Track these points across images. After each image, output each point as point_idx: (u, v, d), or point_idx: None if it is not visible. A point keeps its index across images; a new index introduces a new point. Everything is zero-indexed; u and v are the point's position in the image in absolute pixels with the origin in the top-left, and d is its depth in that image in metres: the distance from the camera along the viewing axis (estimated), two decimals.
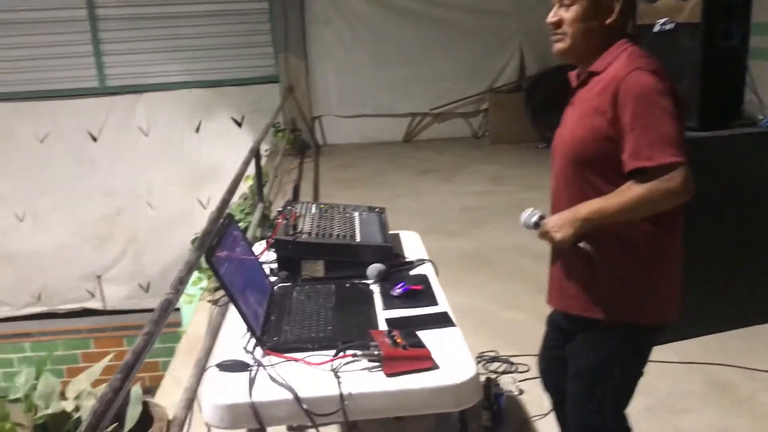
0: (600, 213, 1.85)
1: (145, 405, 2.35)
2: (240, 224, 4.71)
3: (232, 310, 2.16)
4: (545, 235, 1.93)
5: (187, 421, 2.30)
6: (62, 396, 2.30)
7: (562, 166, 2.00)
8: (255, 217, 4.76)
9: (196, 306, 4.45)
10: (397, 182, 7.11)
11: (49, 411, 2.16)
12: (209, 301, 4.32)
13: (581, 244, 1.89)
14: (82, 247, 8.94)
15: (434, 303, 2.13)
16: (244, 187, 6.03)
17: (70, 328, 8.64)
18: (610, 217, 1.85)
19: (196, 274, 5.55)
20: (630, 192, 1.81)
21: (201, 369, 2.51)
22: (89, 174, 8.87)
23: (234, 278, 1.95)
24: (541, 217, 1.99)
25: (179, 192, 8.99)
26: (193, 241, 5.02)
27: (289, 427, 2.89)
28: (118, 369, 1.72)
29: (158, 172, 8.97)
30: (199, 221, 8.20)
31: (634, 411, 2.11)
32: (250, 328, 1.87)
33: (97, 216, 8.93)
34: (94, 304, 9.13)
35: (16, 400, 2.27)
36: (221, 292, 4.43)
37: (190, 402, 2.40)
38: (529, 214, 2.00)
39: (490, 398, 2.85)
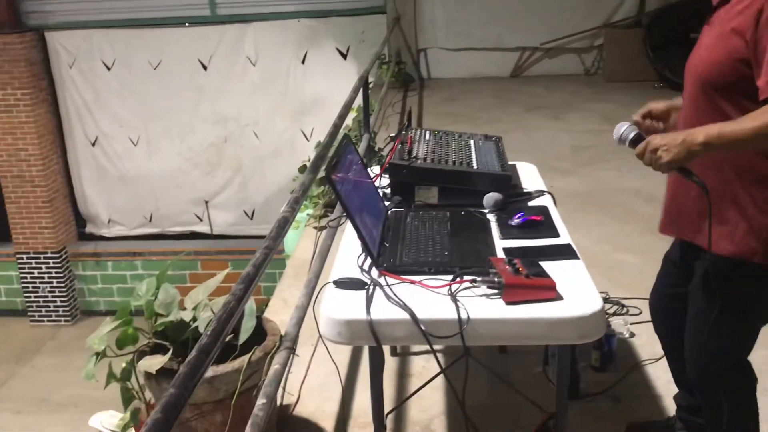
0: (721, 138, 1.65)
1: (258, 320, 2.41)
2: None
3: (346, 233, 2.16)
4: (652, 153, 1.72)
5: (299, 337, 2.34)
6: (180, 306, 2.38)
7: (693, 92, 1.83)
8: (361, 148, 4.75)
9: (301, 232, 4.52)
10: (503, 118, 6.91)
11: (169, 319, 2.25)
12: (315, 228, 4.39)
13: (694, 178, 1.72)
14: (192, 172, 9.27)
15: (555, 235, 2.05)
16: (348, 119, 6.01)
17: (178, 250, 9.05)
18: (732, 144, 1.65)
19: None
20: (763, 117, 1.61)
21: (311, 289, 2.54)
22: (199, 101, 9.11)
23: (351, 199, 1.93)
24: (639, 135, 1.81)
25: (284, 123, 9.12)
26: (301, 169, 5.09)
27: (392, 353, 2.92)
28: (239, 280, 1.75)
29: (264, 102, 9.11)
30: (302, 153, 8.32)
31: (755, 363, 1.97)
32: (366, 249, 1.85)
33: (207, 143, 9.20)
34: (202, 228, 9.51)
35: (138, 308, 2.37)
36: (328, 219, 4.49)
37: (301, 320, 2.44)
38: (627, 128, 1.82)
39: (601, 338, 2.76)
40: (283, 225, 2.13)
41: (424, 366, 2.85)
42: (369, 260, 1.86)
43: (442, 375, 2.75)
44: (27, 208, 8.99)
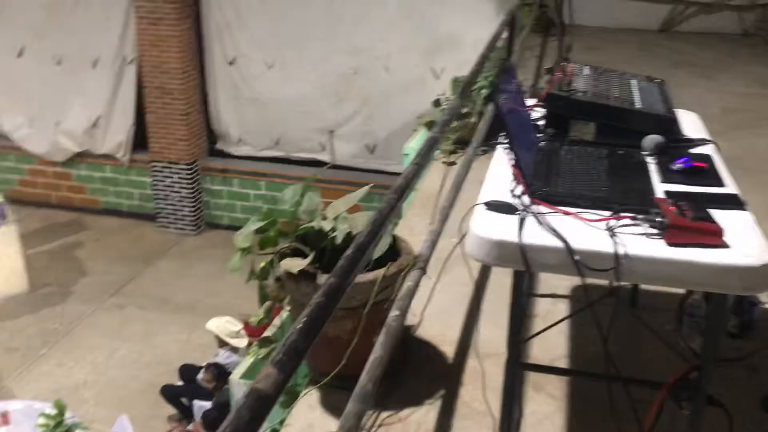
0: None
1: (393, 238, 2.44)
2: (483, 91, 4.63)
3: (495, 159, 2.12)
4: None
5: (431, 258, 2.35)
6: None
7: None
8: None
9: (430, 167, 4.51)
10: (648, 72, 6.52)
11: (311, 224, 2.31)
12: (444, 162, 4.37)
13: None
14: (320, 101, 9.41)
15: (720, 184, 1.93)
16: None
17: (300, 175, 9.28)
18: None
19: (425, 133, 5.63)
20: None
21: (445, 216, 2.54)
22: (334, 31, 9.16)
23: (509, 124, 1.89)
24: None
25: (415, 59, 9.04)
26: (435, 103, 5.04)
27: None
28: (391, 189, 1.76)
29: (397, 36, 9.03)
30: (431, 91, 8.22)
31: None
32: (521, 175, 1.81)
33: (337, 73, 9.28)
34: (324, 157, 9.69)
35: (282, 213, 2.45)
36: (456, 155, 4.45)
37: (434, 243, 2.45)
38: None
39: (743, 305, 2.62)
40: (433, 144, 2.13)
41: (550, 309, 2.81)
42: (521, 187, 1.82)
43: (566, 321, 2.71)
44: (165, 119, 9.45)
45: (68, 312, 8.10)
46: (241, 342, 6.04)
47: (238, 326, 6.11)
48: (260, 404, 0.99)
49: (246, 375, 3.62)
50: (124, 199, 10.28)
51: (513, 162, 1.87)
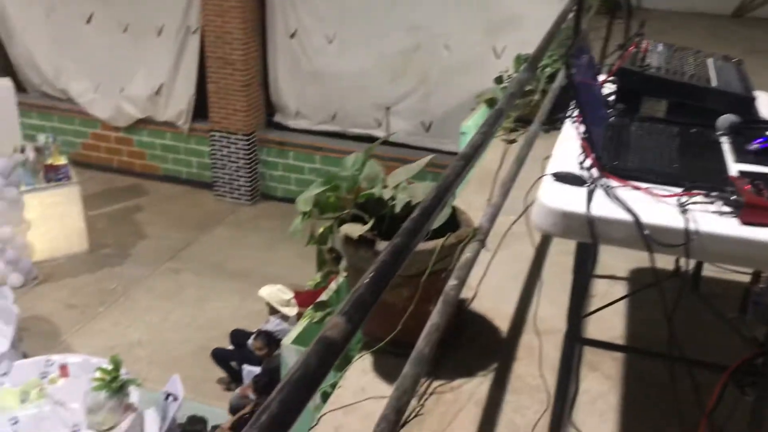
0: None
1: (453, 210, 2.44)
2: (547, 70, 4.56)
3: (562, 133, 2.09)
4: None
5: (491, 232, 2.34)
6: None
7: None
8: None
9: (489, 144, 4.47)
10: None
11: (372, 191, 2.32)
12: (504, 140, 4.32)
13: None
14: (378, 77, 9.39)
15: None
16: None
17: (355, 150, 9.31)
18: None
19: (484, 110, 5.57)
20: None
21: (506, 190, 2.52)
22: (395, 7, 9.11)
23: (581, 96, 1.86)
24: None
25: (476, 38, 8.93)
26: (497, 80, 4.98)
27: None
28: (458, 156, 1.75)
29: (460, 14, 8.93)
30: (491, 70, 8.11)
31: None
32: (591, 147, 1.78)
33: (397, 49, 9.24)
34: (379, 133, 9.68)
35: (343, 179, 2.46)
36: (516, 133, 4.40)
37: (494, 217, 2.43)
38: None
39: None
40: (499, 115, 2.10)
41: (607, 291, 2.77)
42: (590, 160, 1.79)
43: (623, 302, 2.67)
44: (225, 90, 9.58)
45: (126, 273, 8.35)
46: (292, 311, 6.14)
47: (289, 295, 6.20)
48: (328, 351, 1.01)
49: (298, 340, 3.68)
50: (183, 167, 10.50)
51: (582, 135, 1.84)
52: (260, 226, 9.56)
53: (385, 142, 9.53)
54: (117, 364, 5.20)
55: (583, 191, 1.66)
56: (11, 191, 7.65)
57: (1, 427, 5.06)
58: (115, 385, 5.12)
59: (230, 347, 6.54)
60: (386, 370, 2.26)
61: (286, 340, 3.81)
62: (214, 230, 9.44)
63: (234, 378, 6.41)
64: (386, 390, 2.16)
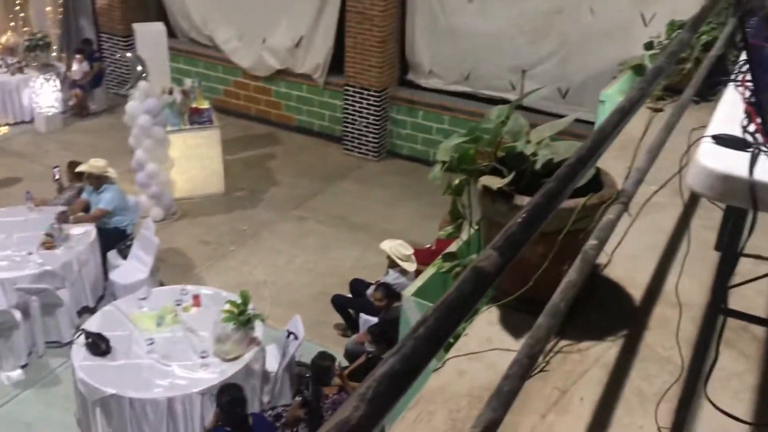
0: None
1: (597, 170, 2.38)
2: (703, 38, 4.29)
3: (726, 99, 1.99)
4: None
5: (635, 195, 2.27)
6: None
7: None
8: (724, 33, 4.28)
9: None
10: None
11: (514, 144, 2.30)
12: (649, 108, 4.14)
13: None
14: (517, 39, 9.19)
15: None
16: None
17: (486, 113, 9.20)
18: None
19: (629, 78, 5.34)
20: None
21: (653, 156, 2.42)
22: None
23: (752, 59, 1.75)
24: None
25: (624, 2, 8.53)
26: (647, 45, 4.75)
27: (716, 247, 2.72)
28: (614, 110, 1.71)
29: None
30: (637, 38, 7.74)
31: None
32: (758, 112, 1.68)
33: (538, 11, 8.99)
34: (512, 97, 9.51)
35: (485, 131, 2.45)
36: (663, 102, 4.19)
37: (639, 182, 2.35)
38: None
39: None
40: (659, 73, 2.03)
41: (750, 270, 2.62)
42: (754, 125, 1.69)
43: None
44: (362, 45, 9.70)
45: (256, 216, 8.75)
46: (411, 266, 6.23)
47: (409, 251, 6.29)
48: (481, 279, 1.03)
49: (419, 293, 3.75)
50: (315, 119, 10.79)
51: (748, 99, 1.74)
52: (384, 182, 9.70)
53: (518, 106, 9.34)
54: (246, 299, 5.51)
55: (745, 155, 1.58)
56: (159, 131, 8.16)
57: (139, 346, 5.51)
58: (242, 319, 5.44)
59: (349, 295, 6.74)
60: (513, 324, 2.27)
61: (407, 292, 3.88)
62: (340, 183, 9.68)
63: (350, 325, 6.61)
64: (512, 344, 2.17)
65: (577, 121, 7.42)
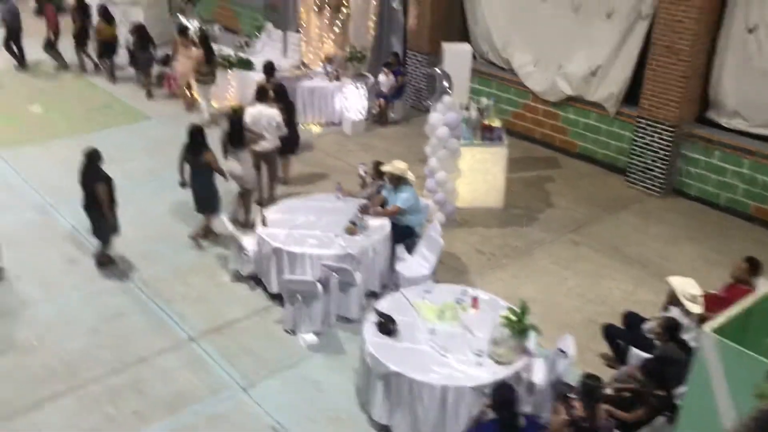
0: None
1: None
2: None
3: None
4: None
5: None
6: None
7: None
8: None
9: None
10: None
11: None
12: None
13: None
14: None
15: None
16: None
17: None
18: None
19: None
20: None
21: None
22: None
23: None
24: None
25: None
26: None
27: None
28: None
29: None
30: None
31: None
32: None
33: None
34: None
35: None
36: None
37: None
38: None
39: None
40: None
41: None
42: None
43: None
44: (663, 78, 9.47)
45: (530, 234, 8.99)
46: (695, 308, 6.02)
47: (698, 291, 6.09)
48: None
49: (721, 331, 3.69)
50: (599, 148, 10.76)
51: None
52: (666, 220, 9.39)
53: None
54: (525, 310, 5.79)
55: None
56: (453, 143, 8.76)
57: (421, 333, 6.02)
58: (519, 327, 5.71)
59: (621, 326, 6.67)
60: None
61: (708, 327, 3.84)
62: (618, 213, 9.56)
63: (618, 357, 6.55)
64: None
65: None
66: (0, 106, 12.74)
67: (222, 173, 8.27)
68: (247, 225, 8.54)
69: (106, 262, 8.06)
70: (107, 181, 7.63)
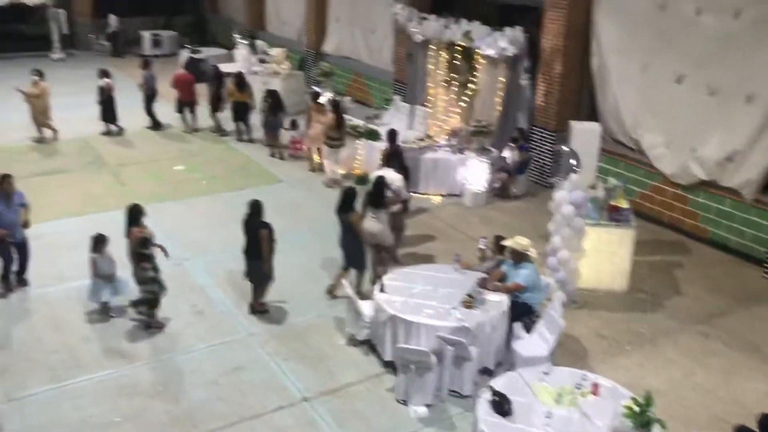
0: None
1: None
2: None
3: None
4: None
5: None
6: None
7: None
8: None
9: None
10: None
11: None
12: None
13: None
14: None
15: None
16: None
17: None
18: None
19: None
20: None
21: None
22: None
23: None
24: None
25: None
26: None
27: None
28: None
29: None
30: None
31: None
32: None
33: None
34: None
35: None
36: None
37: None
38: None
39: None
40: None
41: None
42: None
43: None
44: None
45: (655, 321, 8.59)
46: None
47: None
48: None
49: None
50: (733, 236, 10.22)
51: None
52: None
53: None
54: (649, 401, 5.50)
55: None
56: (578, 221, 8.61)
57: (537, 416, 5.84)
58: (643, 420, 5.43)
59: (756, 430, 6.18)
60: None
61: None
62: (755, 308, 8.97)
63: None
64: None
65: None
66: (147, 165, 13.80)
67: (361, 234, 8.65)
68: (379, 278, 8.63)
69: (260, 310, 8.54)
70: (269, 228, 8.21)
